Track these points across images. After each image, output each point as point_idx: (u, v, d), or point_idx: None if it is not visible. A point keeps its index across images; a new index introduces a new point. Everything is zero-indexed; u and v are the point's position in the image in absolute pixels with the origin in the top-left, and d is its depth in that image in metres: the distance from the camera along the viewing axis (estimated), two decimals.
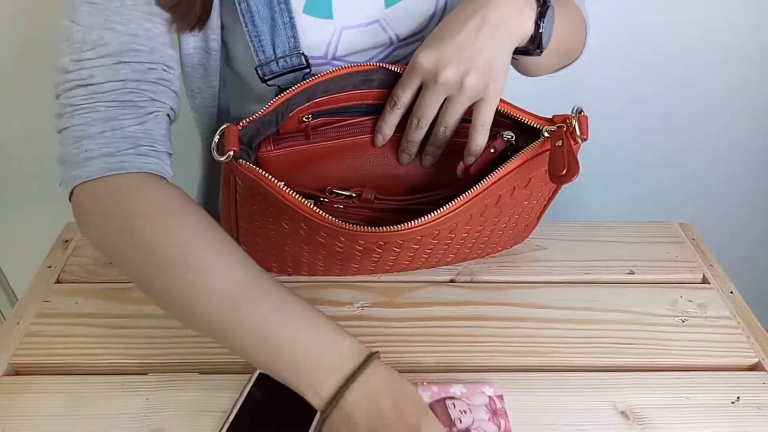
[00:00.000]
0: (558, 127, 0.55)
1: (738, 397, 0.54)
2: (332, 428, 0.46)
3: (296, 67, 0.59)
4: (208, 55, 0.61)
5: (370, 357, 0.47)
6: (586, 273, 0.67)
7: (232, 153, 0.51)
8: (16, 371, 0.56)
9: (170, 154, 0.55)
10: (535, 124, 0.57)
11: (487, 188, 0.53)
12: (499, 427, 0.51)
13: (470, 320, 0.61)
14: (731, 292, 0.65)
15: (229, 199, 0.57)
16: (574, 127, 0.54)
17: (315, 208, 0.51)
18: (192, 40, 0.59)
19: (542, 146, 0.55)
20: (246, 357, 0.48)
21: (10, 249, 1.28)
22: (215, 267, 0.48)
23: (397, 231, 0.52)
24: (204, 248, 0.49)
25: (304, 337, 0.47)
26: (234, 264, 0.49)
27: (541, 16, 0.54)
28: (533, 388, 0.55)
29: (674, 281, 0.67)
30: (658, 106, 1.18)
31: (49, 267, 0.66)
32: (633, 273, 0.67)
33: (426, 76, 0.54)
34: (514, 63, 0.65)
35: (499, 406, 0.52)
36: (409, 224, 0.52)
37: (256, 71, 0.58)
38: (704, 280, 0.67)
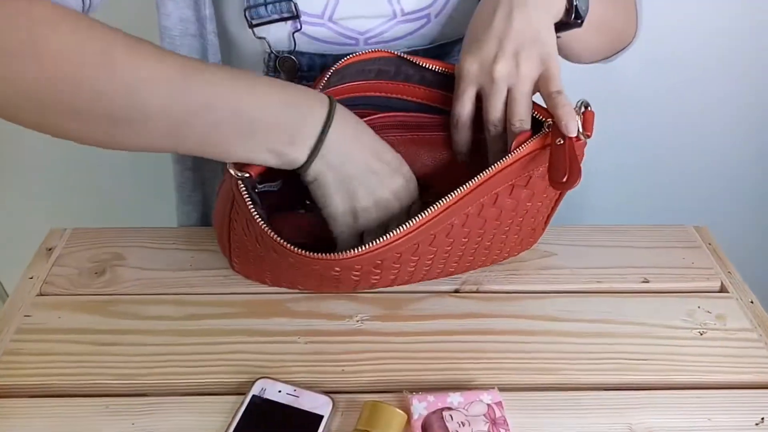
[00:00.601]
0: None
1: (762, 419, 0.51)
2: (318, 180, 0.49)
3: (285, 16, 0.57)
4: (203, 28, 0.59)
5: (332, 100, 0.49)
6: (598, 282, 0.64)
7: (247, 175, 0.48)
8: None
9: None
10: (538, 115, 0.54)
11: (481, 184, 0.49)
12: None
13: (475, 334, 0.58)
14: (751, 302, 0.62)
15: (224, 214, 0.54)
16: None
17: (302, 250, 0.48)
18: (172, 6, 0.57)
19: (542, 141, 0.51)
20: (202, 146, 0.47)
21: (6, 249, 1.25)
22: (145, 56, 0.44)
23: (392, 242, 0.48)
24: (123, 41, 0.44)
25: (263, 96, 0.47)
26: (162, 53, 0.45)
27: None
28: (542, 409, 0.51)
29: (691, 290, 0.63)
30: (665, 105, 1.15)
31: (31, 278, 0.63)
32: (647, 281, 0.64)
33: (479, 80, 0.53)
34: (561, 47, 0.61)
35: (498, 414, 0.49)
36: (403, 229, 0.48)
37: (244, 14, 0.57)
38: (722, 289, 0.63)
